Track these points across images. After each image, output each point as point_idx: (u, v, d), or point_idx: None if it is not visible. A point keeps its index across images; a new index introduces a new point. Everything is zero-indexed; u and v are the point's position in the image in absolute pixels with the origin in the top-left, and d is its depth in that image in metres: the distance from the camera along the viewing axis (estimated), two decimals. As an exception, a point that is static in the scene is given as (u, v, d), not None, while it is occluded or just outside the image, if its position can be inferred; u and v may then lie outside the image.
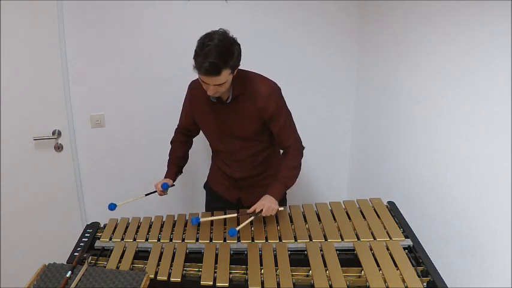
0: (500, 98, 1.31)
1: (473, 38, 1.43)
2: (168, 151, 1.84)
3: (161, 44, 2.16)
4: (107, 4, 2.05)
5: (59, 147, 2.19)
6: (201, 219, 1.59)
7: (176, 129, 1.87)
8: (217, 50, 1.38)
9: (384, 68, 2.09)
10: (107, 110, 2.22)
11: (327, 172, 2.59)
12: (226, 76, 1.44)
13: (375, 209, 1.70)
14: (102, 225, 1.75)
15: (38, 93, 2.08)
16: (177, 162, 1.81)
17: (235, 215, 1.65)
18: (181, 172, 1.83)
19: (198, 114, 1.73)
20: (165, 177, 1.76)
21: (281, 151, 1.75)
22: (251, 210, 1.56)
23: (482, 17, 1.38)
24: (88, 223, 1.79)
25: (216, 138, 1.73)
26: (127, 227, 1.70)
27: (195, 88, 1.70)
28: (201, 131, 1.83)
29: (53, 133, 2.16)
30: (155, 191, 1.73)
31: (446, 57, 1.59)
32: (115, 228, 1.70)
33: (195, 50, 1.43)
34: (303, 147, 1.71)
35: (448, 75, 1.58)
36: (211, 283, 1.36)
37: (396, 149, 2.02)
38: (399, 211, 1.71)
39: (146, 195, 1.75)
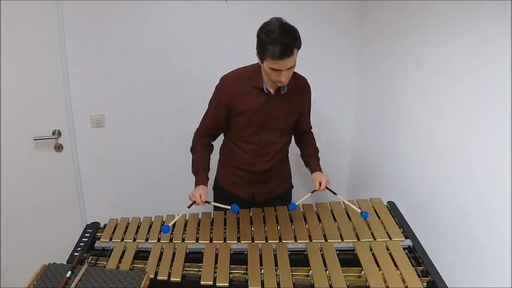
0: (500, 98, 1.31)
1: (473, 38, 1.43)
2: (192, 161, 1.74)
3: (161, 44, 2.16)
4: (107, 4, 2.05)
5: (59, 147, 2.19)
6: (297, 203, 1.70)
7: (197, 132, 1.77)
8: (283, 32, 1.43)
9: (384, 68, 2.09)
10: (107, 110, 2.22)
11: (327, 172, 2.57)
12: (295, 57, 1.49)
13: (375, 209, 1.70)
14: (102, 225, 1.75)
15: (38, 93, 2.08)
16: (205, 169, 1.72)
17: (310, 193, 1.75)
18: (208, 179, 1.73)
19: (238, 106, 1.66)
20: (197, 184, 1.67)
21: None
22: (317, 187, 1.72)
23: (483, 17, 1.38)
24: (88, 223, 1.79)
25: (254, 129, 1.70)
26: (127, 227, 1.70)
27: (232, 82, 1.66)
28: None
29: (53, 133, 2.16)
30: (194, 202, 1.62)
31: (447, 57, 1.59)
32: (115, 228, 1.70)
33: (261, 41, 1.47)
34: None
35: (448, 75, 1.58)
36: (211, 283, 1.36)
37: (396, 149, 2.02)
38: (399, 211, 1.71)
39: (188, 207, 1.63)
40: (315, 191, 1.73)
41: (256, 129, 1.70)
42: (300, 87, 1.72)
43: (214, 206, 1.66)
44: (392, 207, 1.73)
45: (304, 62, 2.32)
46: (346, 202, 1.67)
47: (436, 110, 1.67)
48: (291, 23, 1.50)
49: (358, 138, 2.47)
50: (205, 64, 2.15)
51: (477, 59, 1.42)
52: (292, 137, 1.87)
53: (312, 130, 1.92)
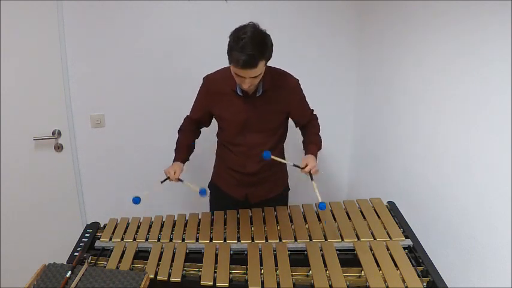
0: (500, 98, 1.31)
1: (473, 38, 1.43)
2: (176, 140, 1.80)
3: (161, 44, 2.16)
4: (107, 4, 2.05)
5: (59, 147, 2.19)
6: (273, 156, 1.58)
7: (186, 118, 1.84)
8: (252, 42, 1.39)
9: (384, 68, 2.09)
10: (107, 110, 2.22)
11: (327, 172, 2.59)
12: (261, 68, 1.46)
13: (375, 209, 1.70)
14: (102, 225, 1.75)
15: (38, 93, 2.08)
16: (186, 149, 1.78)
17: (292, 163, 1.61)
18: (188, 160, 1.79)
19: (218, 107, 1.70)
20: (174, 161, 1.72)
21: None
22: (302, 166, 1.57)
23: (483, 17, 1.38)
24: (88, 223, 1.79)
25: (237, 131, 1.71)
26: (127, 227, 1.70)
27: (214, 82, 1.69)
28: (211, 124, 1.84)
29: (53, 133, 2.16)
30: (168, 178, 1.66)
31: (447, 57, 1.59)
32: (115, 228, 1.70)
33: (230, 45, 1.44)
34: (315, 114, 1.85)
35: (448, 75, 1.58)
36: (211, 283, 1.36)
37: (396, 149, 2.02)
38: (399, 211, 1.71)
39: (162, 182, 1.67)
40: (298, 166, 1.60)
41: (241, 131, 1.70)
42: (282, 86, 1.66)
43: (186, 185, 1.67)
44: (392, 207, 1.73)
45: (304, 62, 2.34)
46: (316, 190, 1.52)
47: (436, 110, 1.67)
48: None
49: (358, 138, 2.47)
50: (205, 64, 2.14)
51: (477, 59, 1.42)
52: (287, 138, 1.85)
53: (313, 120, 1.83)
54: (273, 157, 1.58)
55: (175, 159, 1.74)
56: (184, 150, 1.77)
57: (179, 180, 1.66)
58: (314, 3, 2.22)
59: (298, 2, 2.20)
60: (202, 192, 1.64)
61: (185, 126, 1.83)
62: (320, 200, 1.49)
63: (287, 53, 2.29)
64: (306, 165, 1.56)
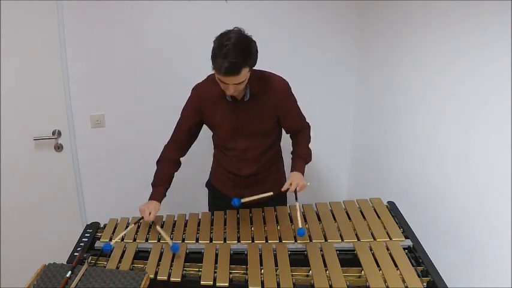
0: (500, 98, 1.31)
1: (473, 38, 1.43)
2: (154, 173, 1.72)
3: (161, 44, 2.16)
4: (107, 4, 2.05)
5: (59, 147, 2.19)
6: (243, 200, 1.60)
7: (167, 145, 1.76)
8: (236, 49, 1.37)
9: (384, 68, 2.09)
10: (107, 110, 2.22)
11: (327, 172, 2.59)
12: (245, 74, 1.44)
13: (375, 209, 1.70)
14: (102, 225, 1.75)
15: (38, 93, 2.08)
16: (165, 185, 1.70)
17: (271, 193, 1.62)
18: (165, 195, 1.70)
19: (209, 115, 1.69)
20: (150, 199, 1.65)
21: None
22: (285, 188, 1.57)
23: (483, 17, 1.38)
24: (88, 223, 1.79)
25: (229, 136, 1.70)
26: (127, 227, 1.70)
27: (204, 90, 1.67)
28: (201, 134, 1.82)
29: (53, 133, 2.16)
30: (143, 217, 1.61)
31: (447, 57, 1.59)
32: (115, 228, 1.70)
33: (214, 51, 1.41)
34: (308, 124, 1.81)
35: (449, 75, 1.59)
36: (211, 283, 1.36)
37: (396, 149, 2.02)
38: (399, 211, 1.71)
39: (135, 223, 1.65)
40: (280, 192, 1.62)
41: (232, 136, 1.69)
42: (270, 89, 1.62)
43: (158, 231, 1.60)
44: (392, 207, 1.73)
45: (304, 62, 2.34)
46: (300, 210, 1.54)
47: (436, 110, 1.67)
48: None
49: (358, 138, 2.47)
50: (205, 64, 2.14)
51: (477, 59, 1.42)
52: (282, 139, 1.85)
53: (305, 128, 1.79)
54: (242, 200, 1.60)
55: (152, 197, 1.66)
56: (163, 186, 1.69)
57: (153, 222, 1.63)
58: (314, 3, 2.22)
59: (298, 2, 2.20)
60: (174, 248, 1.49)
61: (165, 156, 1.73)
62: (300, 225, 1.48)
63: (287, 53, 2.30)
64: (290, 185, 1.56)
